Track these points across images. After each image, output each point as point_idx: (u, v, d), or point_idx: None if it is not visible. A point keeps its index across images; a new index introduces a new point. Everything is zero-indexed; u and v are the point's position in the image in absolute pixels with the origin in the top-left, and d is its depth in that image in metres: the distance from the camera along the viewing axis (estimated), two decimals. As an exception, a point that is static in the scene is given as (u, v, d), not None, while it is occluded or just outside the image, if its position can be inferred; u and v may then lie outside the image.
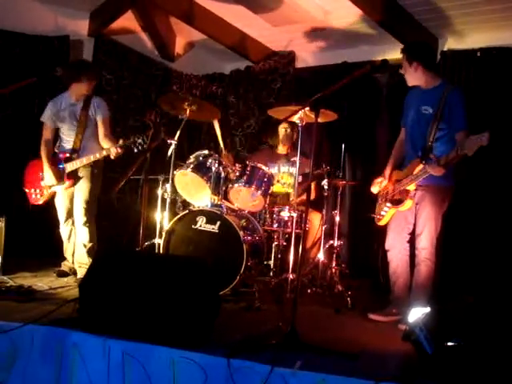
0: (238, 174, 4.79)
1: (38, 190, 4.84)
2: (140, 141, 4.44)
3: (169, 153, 4.85)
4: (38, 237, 5.70)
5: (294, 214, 4.59)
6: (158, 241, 4.77)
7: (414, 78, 4.01)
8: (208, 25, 6.30)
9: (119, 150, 4.54)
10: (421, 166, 3.78)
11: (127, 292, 3.00)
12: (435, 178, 3.72)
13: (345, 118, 5.33)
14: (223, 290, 4.25)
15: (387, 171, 4.26)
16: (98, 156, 4.64)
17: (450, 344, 2.56)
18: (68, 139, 4.82)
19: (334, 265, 5.01)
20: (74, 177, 4.73)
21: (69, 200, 4.84)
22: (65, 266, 4.96)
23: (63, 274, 4.86)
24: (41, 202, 4.87)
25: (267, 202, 4.83)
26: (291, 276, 4.45)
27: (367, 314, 4.03)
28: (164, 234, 4.58)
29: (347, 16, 5.71)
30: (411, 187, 3.91)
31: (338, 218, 5.16)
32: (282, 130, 5.67)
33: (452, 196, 3.97)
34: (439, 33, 5.77)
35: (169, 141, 4.84)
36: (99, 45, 6.34)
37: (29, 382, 2.95)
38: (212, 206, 4.64)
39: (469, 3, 5.07)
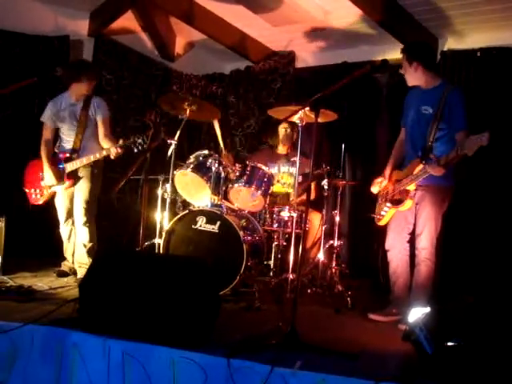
0: (237, 174, 4.80)
1: (38, 190, 4.84)
2: (140, 141, 4.44)
3: (169, 153, 4.85)
4: (38, 237, 5.70)
5: (294, 214, 4.59)
6: (158, 241, 4.77)
7: (414, 78, 4.01)
8: (208, 25, 6.30)
9: (119, 150, 4.54)
10: (421, 166, 3.78)
11: (127, 292, 3.00)
12: (435, 178, 3.73)
13: (345, 117, 5.34)
14: (223, 290, 4.25)
15: (387, 171, 4.26)
16: (98, 156, 4.64)
17: (449, 344, 2.56)
18: (68, 139, 4.82)
19: (333, 265, 5.01)
20: (74, 177, 4.73)
21: (69, 200, 4.84)
22: (65, 266, 4.96)
23: (63, 274, 4.86)
24: (41, 202, 4.87)
25: (267, 202, 4.83)
26: (291, 276, 4.45)
27: (367, 314, 4.03)
28: (164, 233, 4.58)
29: (347, 16, 5.71)
30: (411, 187, 3.91)
31: (337, 218, 5.15)
32: (282, 129, 5.67)
33: (452, 196, 3.97)
34: (439, 33, 5.77)
35: (169, 141, 4.84)
36: (99, 45, 6.34)
37: (29, 382, 2.95)
38: (212, 206, 4.64)
39: (469, 3, 5.07)
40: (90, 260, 4.60)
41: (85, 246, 4.75)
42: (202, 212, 4.56)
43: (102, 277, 3.13)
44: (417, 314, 2.91)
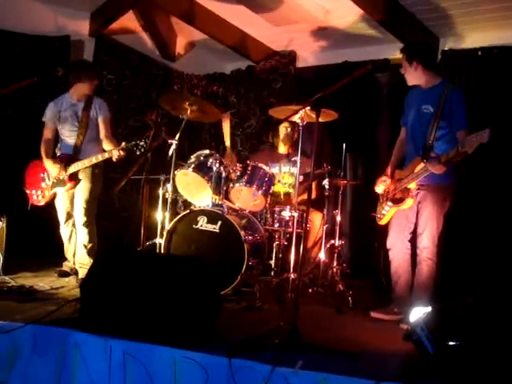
0: (238, 173, 4.80)
1: (39, 192, 4.85)
2: (142, 143, 4.43)
3: (170, 153, 4.85)
4: (40, 237, 5.69)
5: (295, 214, 4.58)
6: (159, 241, 4.77)
7: (414, 77, 4.02)
8: (209, 25, 6.30)
9: (121, 153, 4.53)
10: (422, 165, 3.78)
11: (128, 292, 3.00)
12: (436, 176, 3.73)
13: (346, 117, 5.33)
14: (224, 290, 4.25)
15: (389, 170, 4.26)
16: (100, 158, 4.63)
17: (451, 343, 2.56)
18: (69, 140, 4.82)
19: (335, 264, 5.00)
20: (76, 178, 4.74)
21: (69, 201, 4.84)
22: (66, 266, 4.96)
23: (64, 274, 4.87)
24: (42, 204, 4.87)
25: (268, 201, 4.83)
26: (292, 276, 4.45)
27: (369, 312, 4.03)
28: (165, 233, 4.58)
29: (348, 15, 5.70)
30: (412, 186, 3.91)
31: (339, 218, 5.15)
32: (283, 129, 5.66)
33: (454, 194, 3.96)
34: (440, 32, 5.76)
35: (169, 141, 4.84)
36: (100, 45, 6.34)
37: (30, 382, 2.95)
38: (213, 205, 4.64)
39: (470, 2, 5.06)
40: (91, 260, 4.60)
41: (85, 246, 4.75)
42: (203, 212, 4.56)
43: (103, 277, 3.13)
44: (418, 313, 2.91)
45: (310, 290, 4.77)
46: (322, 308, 4.36)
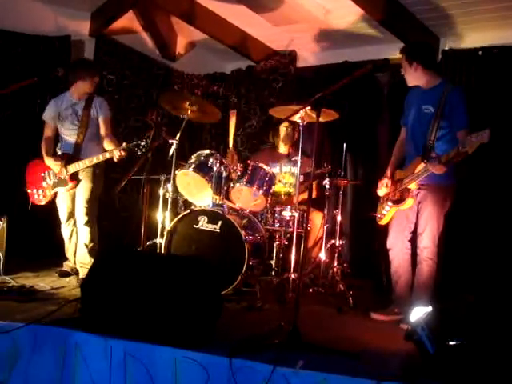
0: (239, 173, 4.80)
1: (40, 191, 4.84)
2: (143, 144, 4.43)
3: (170, 152, 4.85)
4: (40, 237, 5.70)
5: (296, 214, 4.58)
6: (160, 241, 4.77)
7: (414, 78, 4.02)
8: (209, 24, 6.29)
9: (123, 153, 4.53)
10: (422, 165, 3.78)
11: (129, 292, 3.00)
12: (436, 176, 3.73)
13: (346, 117, 5.34)
14: (225, 290, 4.24)
15: (389, 171, 4.25)
16: (101, 158, 4.63)
17: (452, 343, 2.56)
18: (69, 139, 4.82)
19: (335, 264, 5.01)
20: (77, 178, 4.74)
21: (70, 200, 4.84)
22: (66, 266, 4.96)
23: (65, 274, 4.87)
24: (43, 203, 4.87)
25: (269, 201, 4.83)
26: (293, 275, 4.46)
27: (369, 314, 4.03)
28: (166, 233, 4.59)
29: (348, 15, 5.69)
30: (412, 186, 3.91)
31: (339, 218, 5.15)
32: (283, 129, 5.66)
33: (454, 194, 3.96)
34: (441, 32, 5.76)
35: (170, 140, 4.84)
36: (100, 45, 6.34)
37: (30, 383, 2.96)
38: (213, 205, 4.63)
39: (470, 2, 5.06)
40: (92, 260, 4.61)
41: (86, 246, 4.75)
42: (203, 212, 4.57)
43: (103, 277, 3.14)
44: (419, 313, 2.91)
45: (311, 290, 4.77)
46: (322, 308, 4.36)
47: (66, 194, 4.82)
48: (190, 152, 5.40)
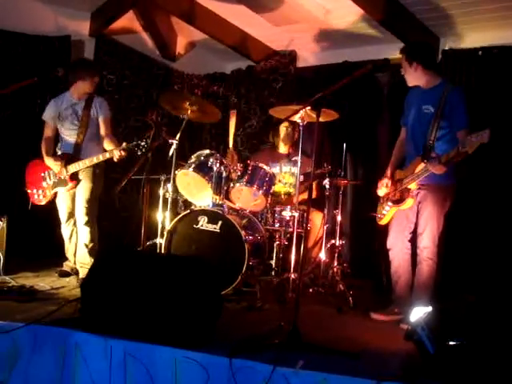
0: (239, 173, 4.80)
1: (40, 191, 4.84)
2: (143, 144, 4.43)
3: (170, 152, 4.85)
4: (40, 237, 5.70)
5: (296, 214, 4.58)
6: (160, 241, 4.77)
7: (414, 78, 4.01)
8: (209, 24, 6.29)
9: (123, 153, 4.53)
10: (422, 165, 3.78)
11: (129, 292, 3.00)
12: (436, 176, 3.73)
13: (346, 117, 5.33)
14: (225, 290, 4.24)
15: (389, 171, 4.25)
16: (101, 158, 4.63)
17: (452, 343, 2.56)
18: (69, 140, 4.81)
19: (335, 264, 5.01)
20: (77, 178, 4.74)
21: (70, 200, 4.84)
22: (66, 266, 4.96)
23: (65, 274, 4.87)
24: (43, 203, 4.87)
25: (269, 201, 4.83)
26: (293, 275, 4.46)
27: (369, 314, 4.03)
28: (166, 233, 4.59)
29: (348, 15, 5.69)
30: (412, 186, 3.91)
31: (339, 218, 5.15)
32: (283, 129, 5.66)
33: (454, 194, 3.96)
34: (441, 32, 5.76)
35: (170, 140, 4.84)
36: (100, 45, 6.34)
37: (30, 383, 2.95)
38: (213, 205, 4.63)
39: (470, 2, 5.06)
40: (92, 260, 4.61)
41: (86, 245, 4.75)
42: (203, 212, 4.57)
43: (103, 277, 3.13)
44: (419, 313, 2.91)
45: (311, 290, 4.77)
46: (322, 308, 4.36)
47: (66, 194, 4.82)
48: (190, 152, 5.40)
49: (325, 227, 5.16)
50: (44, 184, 4.82)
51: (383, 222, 4.22)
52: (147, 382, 2.76)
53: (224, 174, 4.73)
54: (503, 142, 4.96)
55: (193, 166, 4.72)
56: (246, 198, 4.82)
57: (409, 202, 3.94)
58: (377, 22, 5.54)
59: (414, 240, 4.05)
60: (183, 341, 2.80)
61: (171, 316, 2.88)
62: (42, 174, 4.82)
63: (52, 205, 4.93)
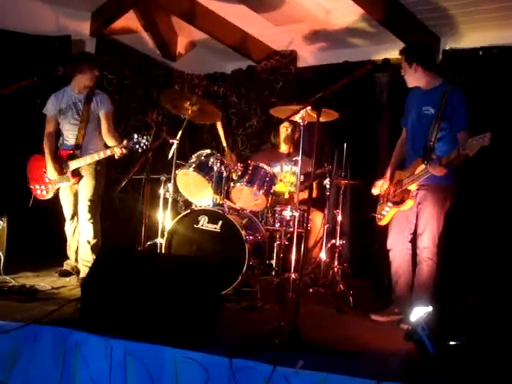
0: (239, 173, 4.80)
1: (43, 187, 4.85)
2: (144, 140, 4.44)
3: (170, 152, 4.85)
4: (41, 236, 5.71)
5: (296, 214, 4.57)
6: (160, 240, 4.77)
7: (414, 78, 4.01)
8: (209, 24, 6.30)
9: (124, 151, 4.54)
10: (422, 166, 3.78)
11: (129, 292, 3.00)
12: (436, 177, 3.73)
13: (346, 117, 5.32)
14: (225, 290, 4.24)
15: (388, 172, 4.26)
16: (102, 155, 4.63)
17: (452, 343, 2.56)
18: (70, 135, 4.81)
19: (335, 264, 5.00)
20: (79, 174, 4.74)
21: (73, 195, 4.84)
22: (67, 265, 4.96)
23: (65, 274, 4.86)
24: (47, 198, 4.87)
25: (269, 201, 4.83)
26: (293, 275, 4.46)
27: (369, 315, 4.03)
28: (166, 233, 4.59)
29: (348, 15, 5.70)
30: (412, 187, 3.91)
31: (339, 218, 5.15)
32: (283, 129, 5.67)
33: (454, 194, 3.96)
34: (441, 32, 5.76)
35: (170, 140, 4.84)
36: (101, 45, 6.34)
37: (30, 382, 2.95)
38: (214, 205, 4.64)
39: (470, 2, 5.06)
40: (94, 257, 4.60)
41: (89, 242, 4.74)
42: (203, 211, 4.57)
43: (103, 276, 3.14)
44: (419, 313, 2.91)
45: (311, 290, 4.76)
46: (322, 308, 4.36)
47: (69, 191, 4.82)
48: (190, 152, 5.40)
49: (325, 227, 5.16)
50: (46, 179, 4.82)
51: (383, 222, 4.21)
52: (147, 382, 2.76)
53: (224, 174, 4.73)
54: (503, 143, 4.96)
55: (193, 165, 4.72)
56: (246, 197, 4.82)
57: (409, 203, 3.93)
58: (377, 22, 5.54)
59: (414, 240, 4.05)
60: (183, 341, 2.80)
61: (171, 316, 2.88)
62: (44, 170, 4.81)
63: (52, 205, 4.93)
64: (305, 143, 4.54)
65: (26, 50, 5.83)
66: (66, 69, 5.32)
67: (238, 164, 4.86)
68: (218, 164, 4.69)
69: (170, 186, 4.86)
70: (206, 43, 6.90)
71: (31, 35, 5.87)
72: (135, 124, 6.68)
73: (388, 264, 4.23)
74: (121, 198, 6.35)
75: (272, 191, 4.86)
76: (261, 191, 4.73)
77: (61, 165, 4.73)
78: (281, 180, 5.36)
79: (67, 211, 4.90)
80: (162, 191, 4.98)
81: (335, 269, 4.96)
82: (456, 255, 5.07)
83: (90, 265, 4.25)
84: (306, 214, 4.33)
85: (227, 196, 4.86)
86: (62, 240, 5.02)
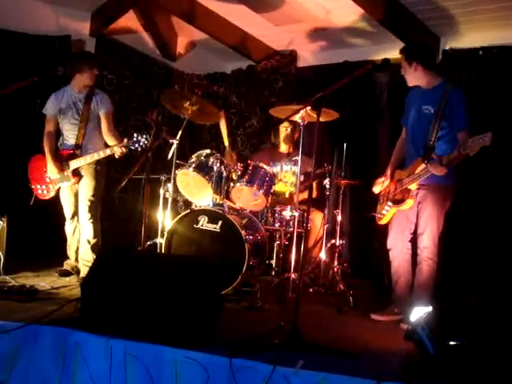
0: (239, 173, 4.80)
1: (43, 186, 4.85)
2: (144, 140, 4.44)
3: (170, 152, 4.86)
4: (41, 236, 5.70)
5: (296, 214, 4.57)
6: (160, 240, 4.77)
7: (415, 78, 4.01)
8: (209, 24, 6.30)
9: (124, 150, 4.54)
10: (423, 166, 3.77)
11: (129, 292, 3.00)
12: (436, 176, 3.72)
13: (346, 117, 5.32)
14: (225, 290, 4.24)
15: (389, 171, 4.26)
16: (101, 155, 4.63)
17: (452, 343, 2.56)
18: (70, 135, 4.81)
19: (335, 264, 5.00)
20: (79, 174, 4.75)
21: (74, 197, 4.84)
22: (67, 265, 4.96)
23: (65, 274, 4.86)
24: (48, 197, 4.87)
25: (269, 201, 4.83)
26: (293, 275, 4.46)
27: (369, 315, 4.03)
28: (166, 233, 4.59)
29: (348, 15, 5.70)
30: (413, 186, 3.91)
31: (339, 217, 5.15)
32: (283, 129, 5.67)
33: (454, 194, 3.96)
34: (441, 32, 5.76)
35: (170, 140, 4.85)
36: (101, 44, 6.35)
37: (30, 382, 2.95)
38: (214, 205, 4.64)
39: (470, 2, 5.06)
40: (94, 256, 4.60)
41: (89, 242, 4.75)
42: (203, 211, 4.57)
43: (103, 276, 3.14)
44: (419, 313, 2.91)
45: (311, 290, 4.77)
46: (322, 308, 4.36)
47: (69, 190, 4.83)
48: (190, 152, 5.40)
49: (325, 227, 5.16)
50: (47, 179, 4.82)
51: (383, 221, 4.21)
52: (147, 382, 2.76)
53: (224, 174, 4.73)
54: (503, 143, 4.95)
55: (193, 165, 4.72)
56: (246, 197, 4.82)
57: (409, 203, 3.93)
58: (377, 22, 5.54)
59: (414, 240, 4.05)
60: (183, 341, 2.80)
61: (171, 316, 2.88)
62: (45, 169, 4.81)
63: (52, 205, 4.93)
64: (305, 143, 4.54)
65: (26, 50, 5.83)
66: (66, 68, 5.33)
67: (238, 164, 4.86)
68: (218, 164, 4.69)
69: (170, 185, 4.86)
70: (206, 43, 6.90)
71: (31, 35, 5.86)
72: (135, 124, 6.69)
73: (388, 264, 4.23)
74: (121, 198, 6.35)
75: (272, 191, 4.85)
76: (260, 191, 4.73)
77: (61, 163, 4.73)
78: (280, 180, 5.36)
79: (67, 211, 4.90)
80: (161, 191, 4.99)
81: (335, 269, 4.97)
82: (456, 255, 5.07)
83: (90, 264, 4.24)
84: (305, 214, 4.32)
85: (227, 196, 4.85)
86: (62, 240, 5.02)
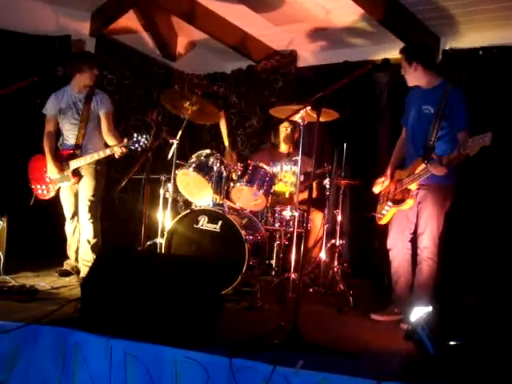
0: (239, 173, 4.80)
1: (44, 186, 4.85)
2: (144, 139, 4.45)
3: (170, 152, 4.86)
4: (41, 236, 5.70)
5: (296, 214, 4.57)
6: (160, 240, 4.77)
7: (415, 78, 4.01)
8: (209, 24, 6.30)
9: (124, 150, 4.54)
10: (423, 166, 3.77)
11: (129, 292, 3.00)
12: (436, 176, 3.72)
13: (346, 117, 5.32)
14: (225, 290, 4.24)
15: (389, 171, 4.26)
16: (101, 154, 4.63)
17: (452, 343, 2.56)
18: (70, 135, 4.81)
19: (335, 264, 5.00)
20: (79, 174, 4.75)
21: (74, 197, 4.85)
22: (67, 265, 4.96)
23: (65, 274, 4.86)
24: (48, 198, 4.87)
25: (269, 201, 4.83)
26: (293, 275, 4.46)
27: (369, 315, 4.03)
28: (166, 233, 4.59)
29: (348, 15, 5.70)
30: (413, 186, 3.91)
31: (339, 217, 5.15)
32: (283, 129, 5.67)
33: (454, 194, 3.96)
34: (441, 32, 5.76)
35: (170, 140, 4.85)
36: (101, 44, 6.34)
37: (30, 382, 2.95)
38: (214, 205, 4.64)
39: (470, 2, 5.06)
40: (94, 257, 4.60)
41: (89, 242, 4.75)
42: (203, 211, 4.57)
43: (103, 276, 3.14)
44: (419, 313, 2.91)
45: (311, 290, 4.77)
46: (322, 308, 4.36)
47: (69, 190, 4.83)
48: (190, 152, 5.40)
49: (325, 227, 5.16)
50: (47, 179, 4.82)
51: (383, 221, 4.21)
52: (147, 382, 2.76)
53: (224, 174, 4.73)
54: (503, 143, 4.95)
55: (193, 165, 4.72)
56: (246, 197, 4.82)
57: (409, 203, 3.93)
58: (377, 22, 5.54)
59: (414, 240, 4.05)
60: (183, 341, 2.80)
61: (171, 316, 2.88)
62: (45, 169, 4.81)
63: (52, 205, 4.93)
64: (305, 143, 4.54)
65: (26, 50, 5.82)
66: (66, 68, 5.33)
67: (238, 164, 4.86)
68: (218, 164, 4.69)
69: (170, 185, 4.86)
70: (206, 43, 6.90)
71: (31, 35, 5.86)
72: (135, 124, 6.69)
73: (388, 264, 4.23)
74: (121, 198, 6.35)
75: (272, 191, 4.85)
76: (260, 191, 4.73)
77: (61, 163, 4.73)
78: (280, 180, 5.36)
79: (67, 211, 4.90)
80: (161, 191, 4.99)
81: (335, 269, 4.97)
82: (456, 255, 5.07)
83: (90, 264, 4.25)
84: (305, 214, 4.32)
85: (227, 196, 4.85)
86: (62, 240, 5.02)
